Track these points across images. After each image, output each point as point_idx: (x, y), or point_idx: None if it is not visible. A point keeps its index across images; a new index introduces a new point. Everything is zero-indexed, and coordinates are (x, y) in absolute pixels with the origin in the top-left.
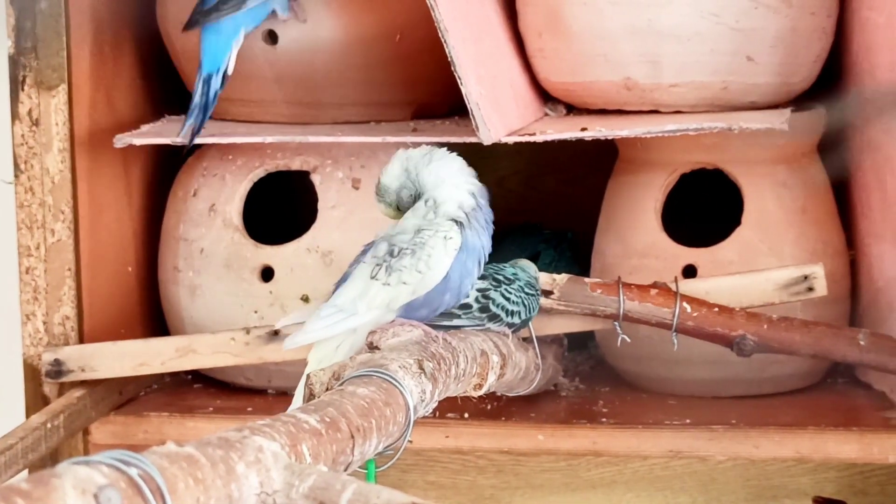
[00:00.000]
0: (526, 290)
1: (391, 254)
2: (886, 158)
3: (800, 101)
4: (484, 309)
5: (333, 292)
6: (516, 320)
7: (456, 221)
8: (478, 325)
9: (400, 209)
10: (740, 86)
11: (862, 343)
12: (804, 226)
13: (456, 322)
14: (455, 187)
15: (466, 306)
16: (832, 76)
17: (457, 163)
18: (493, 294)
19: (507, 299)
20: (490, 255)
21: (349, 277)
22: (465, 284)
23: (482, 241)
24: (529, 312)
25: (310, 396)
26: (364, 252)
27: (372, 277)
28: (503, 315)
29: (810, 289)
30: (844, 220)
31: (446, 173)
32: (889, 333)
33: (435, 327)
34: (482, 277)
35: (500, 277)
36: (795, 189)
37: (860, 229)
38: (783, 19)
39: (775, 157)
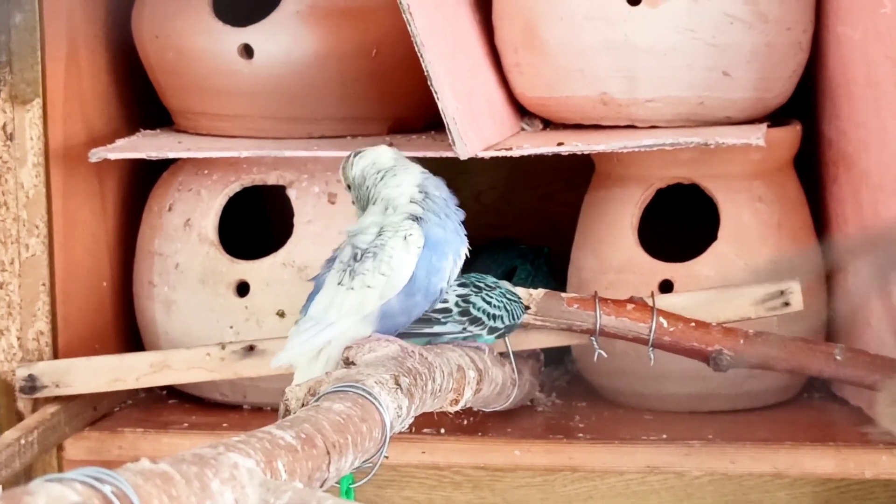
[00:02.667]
0: (508, 296)
1: (355, 258)
2: (861, 173)
3: (776, 116)
4: (465, 312)
5: (306, 303)
6: (499, 324)
7: (414, 218)
8: (459, 331)
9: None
10: (716, 101)
11: (838, 358)
12: (780, 240)
13: (437, 328)
14: (397, 186)
15: (446, 311)
16: (808, 91)
17: (411, 174)
18: (473, 298)
19: (489, 303)
20: (465, 269)
21: (321, 287)
22: (434, 282)
23: (446, 232)
24: (513, 318)
25: (285, 412)
26: (331, 259)
27: (339, 284)
28: (485, 318)
29: (787, 304)
30: (820, 234)
31: (395, 181)
32: (865, 348)
33: (415, 334)
34: (462, 284)
35: (482, 284)
36: (771, 204)
37: (836, 244)
38: (759, 35)
39: (751, 172)
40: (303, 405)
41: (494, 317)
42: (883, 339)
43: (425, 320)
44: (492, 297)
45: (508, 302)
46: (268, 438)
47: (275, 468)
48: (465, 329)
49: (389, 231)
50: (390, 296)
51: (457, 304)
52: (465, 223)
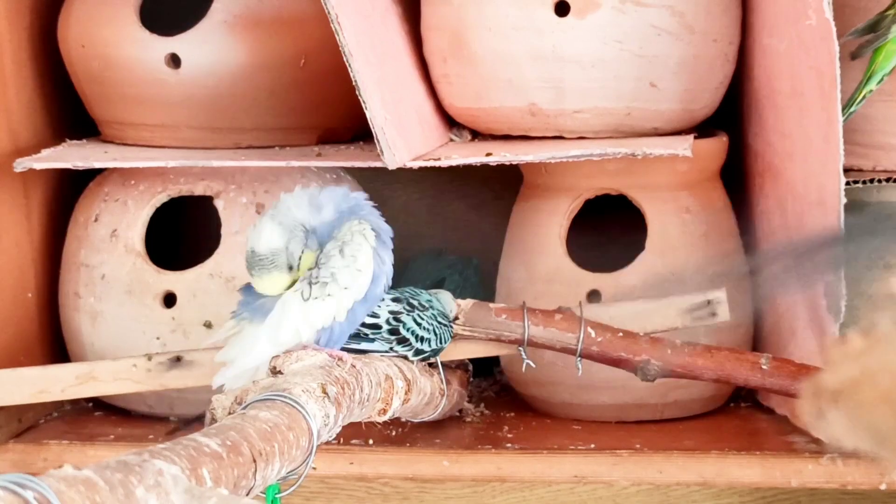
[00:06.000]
0: (439, 318)
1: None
2: (787, 183)
3: (703, 127)
4: (394, 331)
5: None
6: (426, 347)
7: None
8: (386, 350)
9: (291, 268)
10: (644, 112)
11: (764, 367)
12: (707, 251)
13: (364, 345)
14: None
15: (376, 327)
16: (735, 103)
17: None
18: (404, 318)
19: (419, 325)
20: (395, 280)
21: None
22: (382, 273)
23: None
24: (440, 343)
25: (211, 420)
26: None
27: (306, 300)
28: (412, 340)
29: (713, 314)
30: (747, 245)
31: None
32: (790, 358)
33: (342, 349)
34: (396, 300)
35: (415, 303)
36: (698, 214)
37: (761, 253)
38: (686, 46)
39: (678, 182)
40: (229, 413)
41: (422, 339)
42: (808, 349)
43: (354, 335)
44: (423, 319)
45: (438, 325)
46: (193, 446)
47: (200, 475)
48: (391, 349)
49: (346, 233)
50: (361, 294)
51: (387, 322)
52: (392, 237)
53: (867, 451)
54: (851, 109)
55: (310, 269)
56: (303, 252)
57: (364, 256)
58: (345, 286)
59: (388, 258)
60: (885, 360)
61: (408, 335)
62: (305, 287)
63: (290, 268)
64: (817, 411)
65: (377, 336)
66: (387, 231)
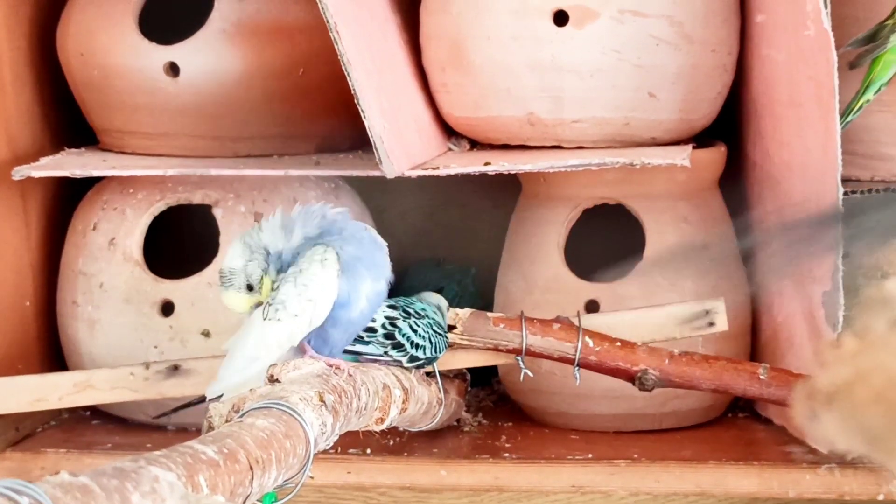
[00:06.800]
0: (434, 328)
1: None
2: (786, 193)
3: (701, 137)
4: (389, 336)
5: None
6: (420, 354)
7: (324, 245)
8: (381, 354)
9: (252, 289)
10: (642, 122)
11: (762, 377)
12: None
13: (358, 347)
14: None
15: (371, 330)
16: (734, 113)
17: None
18: (400, 323)
19: (415, 332)
20: (394, 289)
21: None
22: (356, 299)
23: (359, 250)
24: (435, 351)
25: (209, 429)
26: None
27: (265, 319)
28: (408, 346)
29: (711, 323)
30: (745, 255)
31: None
32: (789, 368)
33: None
34: (392, 307)
35: (410, 310)
36: (697, 224)
37: (760, 264)
38: (684, 56)
39: (677, 192)
40: (226, 422)
41: (417, 346)
42: (806, 359)
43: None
44: (418, 326)
45: (434, 334)
46: (189, 453)
47: (196, 482)
48: (386, 353)
49: (306, 261)
50: (319, 322)
51: (383, 326)
52: (389, 246)
53: (860, 452)
54: (848, 119)
55: (272, 290)
56: (263, 275)
57: (316, 286)
58: (294, 314)
59: (367, 282)
60: (878, 362)
61: (403, 340)
62: (266, 307)
63: (251, 288)
64: (811, 413)
65: (372, 339)
66: (369, 252)
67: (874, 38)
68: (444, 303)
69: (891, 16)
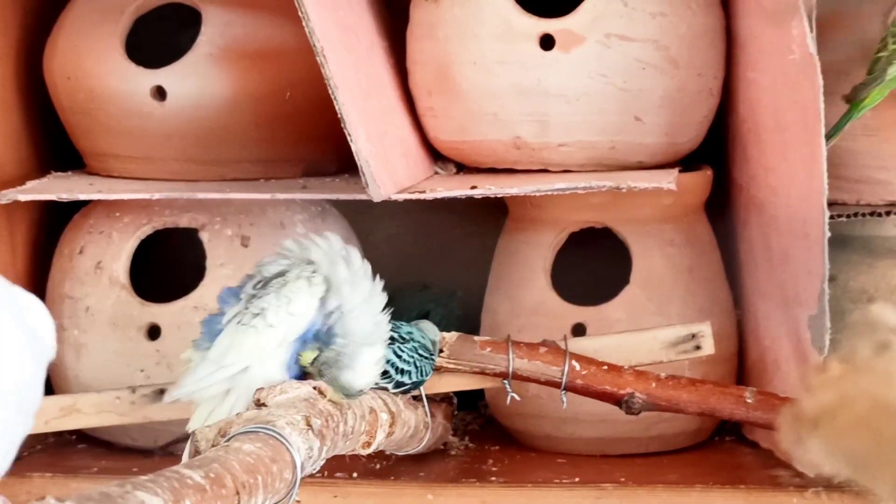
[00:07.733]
0: (420, 351)
1: (254, 296)
2: (771, 218)
3: (687, 161)
4: None
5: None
6: (406, 380)
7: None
8: None
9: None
10: (628, 145)
11: (749, 401)
12: (691, 284)
13: None
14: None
15: None
16: (719, 137)
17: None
18: (385, 349)
19: (399, 357)
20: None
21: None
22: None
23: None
24: (421, 375)
25: (195, 453)
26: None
27: (238, 324)
28: (392, 372)
29: (698, 347)
30: (731, 278)
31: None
32: (775, 391)
33: None
34: None
35: (395, 335)
36: (683, 248)
37: (747, 288)
38: (670, 80)
39: (663, 216)
40: (213, 446)
41: (402, 371)
42: (793, 383)
43: None
44: (403, 352)
45: (419, 358)
46: (176, 478)
47: None
48: None
49: (292, 273)
50: (292, 338)
51: None
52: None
53: (846, 476)
54: (833, 138)
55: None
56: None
57: (302, 302)
58: (270, 324)
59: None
60: (863, 387)
61: (388, 367)
62: (242, 313)
63: None
64: (797, 437)
65: None
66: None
67: (870, 71)
68: (433, 331)
69: (883, 47)
